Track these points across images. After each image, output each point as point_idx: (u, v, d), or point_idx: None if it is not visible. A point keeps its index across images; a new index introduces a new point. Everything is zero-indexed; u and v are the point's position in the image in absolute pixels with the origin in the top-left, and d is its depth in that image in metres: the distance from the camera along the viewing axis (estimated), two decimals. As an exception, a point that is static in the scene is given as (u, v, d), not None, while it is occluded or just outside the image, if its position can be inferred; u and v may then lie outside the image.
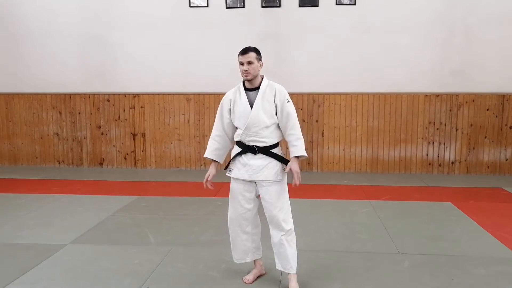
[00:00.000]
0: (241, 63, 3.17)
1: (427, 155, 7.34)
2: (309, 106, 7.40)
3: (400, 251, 4.06)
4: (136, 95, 7.68)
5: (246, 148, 3.24)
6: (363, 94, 7.32)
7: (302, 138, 3.21)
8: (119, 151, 7.83)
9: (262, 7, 7.34)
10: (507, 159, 7.27)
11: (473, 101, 7.20)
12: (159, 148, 7.75)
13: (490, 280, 3.49)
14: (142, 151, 7.78)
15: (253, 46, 3.25)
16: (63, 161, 7.94)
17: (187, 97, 7.58)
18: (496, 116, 7.20)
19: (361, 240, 4.36)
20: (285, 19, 7.34)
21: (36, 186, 6.53)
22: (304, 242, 4.17)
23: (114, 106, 7.73)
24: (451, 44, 7.15)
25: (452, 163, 7.33)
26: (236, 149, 3.30)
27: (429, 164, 7.35)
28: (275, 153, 3.24)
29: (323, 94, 7.39)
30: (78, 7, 7.62)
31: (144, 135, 7.74)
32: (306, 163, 7.50)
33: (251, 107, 3.19)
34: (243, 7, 7.36)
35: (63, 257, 3.93)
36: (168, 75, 7.58)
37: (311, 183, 6.65)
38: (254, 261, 3.48)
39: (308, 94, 7.38)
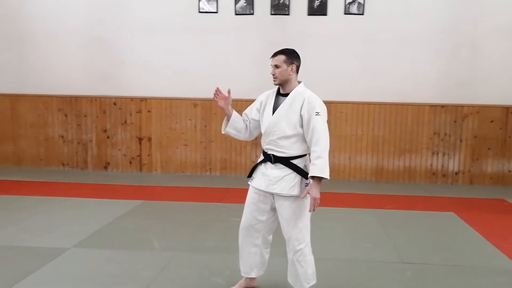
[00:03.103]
0: (271, 66, 3.05)
1: (431, 165, 7.33)
2: (315, 114, 7.40)
3: (403, 261, 4.06)
4: (143, 99, 7.71)
5: (266, 156, 3.08)
6: (369, 104, 7.32)
7: (325, 158, 2.86)
8: (124, 155, 7.84)
9: (271, 14, 7.37)
10: (510, 171, 7.24)
11: (478, 112, 7.19)
12: (165, 153, 7.76)
13: (494, 292, 3.48)
14: (148, 155, 7.79)
15: (289, 48, 3.10)
16: (67, 164, 7.96)
17: (195, 103, 7.60)
18: (500, 128, 7.19)
19: (365, 248, 4.36)
20: (293, 27, 7.37)
21: (40, 188, 6.54)
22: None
23: (121, 110, 7.76)
24: (457, 56, 7.16)
25: (456, 173, 7.32)
26: (261, 157, 3.16)
27: (433, 174, 7.34)
28: (294, 165, 2.99)
29: (330, 103, 7.36)
30: (86, 10, 7.66)
31: (150, 139, 7.76)
32: (310, 171, 7.47)
33: (274, 112, 3.02)
34: (252, 14, 7.39)
35: (65, 261, 3.93)
36: (176, 80, 7.61)
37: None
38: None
39: (314, 102, 7.37)
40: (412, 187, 7.07)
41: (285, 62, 3.01)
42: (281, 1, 7.28)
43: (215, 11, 7.43)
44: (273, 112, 3.03)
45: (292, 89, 3.05)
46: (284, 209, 3.02)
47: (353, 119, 7.37)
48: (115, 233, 4.68)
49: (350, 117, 7.37)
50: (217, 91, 3.25)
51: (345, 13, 7.23)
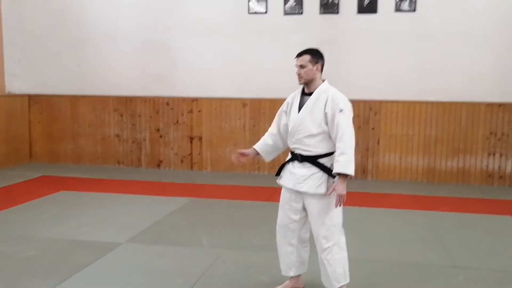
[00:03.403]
0: (296, 66, 3.10)
1: (487, 166, 7.05)
2: (366, 113, 7.31)
3: (455, 265, 3.95)
4: (194, 99, 7.88)
5: (293, 155, 3.13)
6: (421, 103, 7.14)
7: (349, 154, 2.87)
8: (176, 154, 8.05)
9: (320, 13, 7.34)
10: None
11: (540, 111, 6.86)
12: (215, 152, 7.90)
13: (551, 301, 3.33)
14: (199, 154, 7.96)
15: (313, 48, 3.13)
16: (122, 162, 8.27)
17: (244, 102, 7.70)
18: None
19: (414, 251, 4.27)
20: (343, 26, 7.31)
21: (97, 185, 6.83)
22: (356, 251, 4.13)
23: (173, 110, 7.97)
24: (516, 52, 6.86)
25: (515, 175, 7.02)
26: (288, 156, 3.22)
27: (489, 176, 7.06)
28: (321, 164, 3.01)
29: (380, 102, 7.28)
30: (140, 13, 7.92)
31: (201, 138, 7.92)
32: (360, 171, 7.40)
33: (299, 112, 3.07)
34: (301, 13, 7.39)
35: (118, 255, 4.09)
36: (226, 80, 7.73)
37: (365, 191, 6.57)
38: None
39: (365, 101, 7.30)
40: (466, 189, 6.84)
41: (310, 61, 3.05)
42: (330, 0, 7.23)
43: (265, 11, 7.49)
44: (299, 111, 3.07)
45: (316, 88, 3.08)
46: (312, 207, 3.04)
47: (404, 119, 7.22)
48: (166, 229, 4.83)
49: (400, 117, 7.22)
50: (240, 157, 3.35)
51: (396, 11, 7.08)
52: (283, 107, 3.26)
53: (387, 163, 7.32)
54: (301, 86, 3.19)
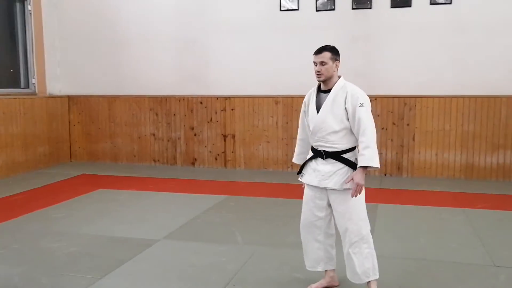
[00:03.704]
0: (315, 63, 3.07)
1: (529, 162, 6.84)
2: (400, 109, 7.21)
3: (495, 264, 3.85)
4: (227, 98, 7.95)
5: (316, 153, 3.14)
6: (457, 97, 6.98)
7: (373, 147, 2.92)
8: (210, 152, 8.14)
9: (353, 9, 7.27)
10: None
11: None
12: (248, 150, 7.95)
13: None
14: (232, 152, 8.03)
15: (331, 45, 3.14)
16: (158, 160, 8.42)
17: (276, 100, 7.71)
18: None
19: (452, 249, 4.18)
20: (376, 20, 7.22)
21: (134, 183, 6.98)
22: (392, 249, 4.10)
23: (207, 108, 8.06)
24: (559, 43, 6.61)
25: (559, 171, 6.77)
26: (310, 153, 3.23)
27: (532, 171, 6.85)
28: (346, 159, 3.04)
29: (415, 97, 7.16)
30: (174, 14, 8.04)
31: (234, 136, 7.99)
32: (395, 167, 7.30)
33: (318, 110, 3.09)
34: (333, 9, 7.34)
35: (155, 251, 4.18)
36: (258, 78, 7.76)
37: (400, 188, 6.48)
38: (325, 270, 3.35)
39: (399, 97, 7.19)
40: (506, 185, 6.65)
41: (330, 58, 3.05)
42: (363, -5, 7.16)
43: (296, 8, 7.48)
44: (317, 110, 3.10)
45: (333, 85, 3.08)
46: (338, 203, 3.06)
47: (440, 114, 7.07)
48: (201, 227, 4.90)
49: (436, 112, 7.08)
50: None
51: (431, 3, 6.95)
52: (303, 107, 3.30)
53: (423, 160, 7.19)
54: (316, 84, 3.21)
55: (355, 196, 2.97)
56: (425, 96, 7.09)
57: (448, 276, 3.62)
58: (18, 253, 4.12)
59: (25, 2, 8.01)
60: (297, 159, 3.41)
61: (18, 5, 8.01)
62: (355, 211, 3.06)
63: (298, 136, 3.40)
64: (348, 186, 3.00)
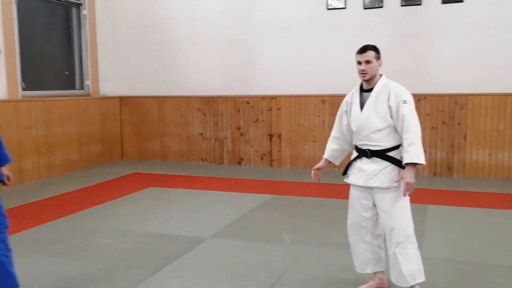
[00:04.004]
0: (359, 62, 3.07)
1: None
2: (451, 107, 7.01)
3: (553, 269, 3.70)
4: (273, 98, 7.98)
5: (360, 152, 3.14)
6: (512, 95, 6.74)
7: (417, 143, 2.90)
8: (256, 151, 8.21)
9: (402, 6, 7.13)
10: None
11: None
12: (294, 149, 7.96)
13: None
14: (278, 151, 8.06)
15: (372, 44, 3.13)
16: (206, 159, 8.57)
17: (323, 99, 7.68)
18: None
19: (506, 253, 4.05)
20: (426, 17, 7.05)
21: (182, 181, 7.13)
22: (443, 252, 4.02)
23: (253, 108, 8.13)
24: None
25: None
26: (354, 154, 3.23)
27: None
28: (391, 157, 3.02)
29: (467, 95, 6.95)
30: (221, 14, 8.14)
31: (280, 136, 8.02)
32: (446, 168, 7.12)
33: (362, 109, 3.08)
34: (382, 7, 7.23)
35: (204, 249, 4.26)
36: (304, 77, 7.75)
37: (451, 189, 6.31)
38: (374, 272, 3.31)
39: (450, 95, 7.00)
40: None
41: (374, 57, 3.04)
42: (412, -8, 7.01)
43: (343, 6, 7.42)
44: (361, 109, 3.08)
45: (376, 83, 3.07)
46: (384, 201, 3.04)
47: (493, 112, 6.83)
48: (248, 225, 4.96)
49: (490, 110, 6.84)
50: (317, 173, 3.45)
51: (484, -1, 6.73)
52: (343, 107, 3.28)
53: (475, 160, 6.97)
54: (358, 84, 3.20)
55: (409, 196, 2.95)
56: (478, 94, 6.87)
57: (503, 281, 3.50)
58: (76, 248, 4.32)
59: (81, 7, 8.34)
60: (328, 155, 3.38)
61: (74, 10, 8.36)
62: (401, 210, 3.03)
63: (333, 134, 3.37)
64: (396, 184, 2.98)
